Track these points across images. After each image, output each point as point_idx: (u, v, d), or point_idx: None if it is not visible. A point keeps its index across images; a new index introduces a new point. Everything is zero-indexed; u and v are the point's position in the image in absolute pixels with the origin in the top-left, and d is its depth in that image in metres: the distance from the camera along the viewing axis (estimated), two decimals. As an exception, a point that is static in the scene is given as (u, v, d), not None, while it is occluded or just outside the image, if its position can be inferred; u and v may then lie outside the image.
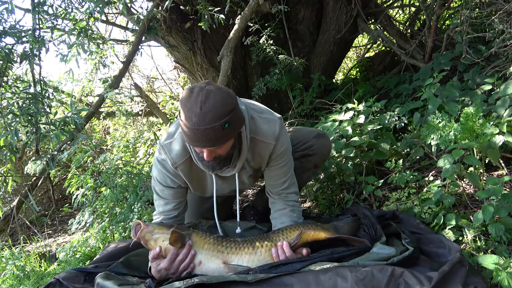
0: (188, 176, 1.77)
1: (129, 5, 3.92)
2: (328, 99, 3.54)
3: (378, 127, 2.40)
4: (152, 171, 1.84)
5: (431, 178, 2.27)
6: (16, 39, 2.72)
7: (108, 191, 2.83)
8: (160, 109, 5.36)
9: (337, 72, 5.22)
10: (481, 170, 1.99)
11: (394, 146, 2.49)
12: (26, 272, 2.51)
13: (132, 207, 2.64)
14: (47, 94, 2.90)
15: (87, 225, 2.89)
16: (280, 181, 1.85)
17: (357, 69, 4.96)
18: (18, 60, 2.78)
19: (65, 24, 3.07)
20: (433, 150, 2.06)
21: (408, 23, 4.63)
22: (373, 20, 4.08)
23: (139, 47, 3.58)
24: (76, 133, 2.66)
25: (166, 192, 1.81)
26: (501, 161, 2.02)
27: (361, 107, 2.42)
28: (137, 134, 4.44)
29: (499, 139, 1.77)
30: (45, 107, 2.72)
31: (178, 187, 1.81)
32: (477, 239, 1.63)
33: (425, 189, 2.04)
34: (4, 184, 3.09)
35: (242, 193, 3.22)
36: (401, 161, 2.22)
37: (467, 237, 1.65)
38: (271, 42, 3.50)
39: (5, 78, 2.82)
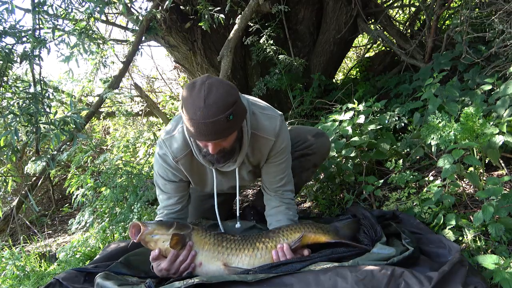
0: (189, 170, 1.77)
1: (129, 5, 3.92)
2: (328, 99, 3.54)
3: (378, 127, 2.40)
4: (154, 166, 1.84)
5: (431, 178, 2.27)
6: (16, 39, 2.72)
7: (108, 191, 2.83)
8: (160, 109, 5.36)
9: (337, 72, 5.22)
10: (481, 170, 1.99)
11: (394, 146, 2.49)
12: (26, 272, 2.51)
13: (132, 207, 2.64)
14: (47, 94, 2.90)
15: (87, 225, 2.89)
16: (277, 178, 1.85)
17: (357, 69, 4.96)
18: (18, 60, 2.78)
19: (65, 24, 3.08)
20: (433, 150, 2.06)
21: (408, 23, 4.63)
22: (373, 20, 4.08)
23: (139, 47, 3.58)
24: (76, 133, 2.66)
25: (168, 187, 1.81)
26: (501, 161, 2.02)
27: (361, 107, 2.42)
28: (137, 134, 4.44)
29: (499, 139, 1.77)
30: (45, 107, 2.72)
31: (180, 181, 1.81)
32: (477, 239, 1.63)
33: (425, 189, 2.04)
34: (4, 184, 3.09)
35: (241, 193, 3.22)
36: (401, 161, 2.22)
37: (467, 237, 1.65)
38: (271, 42, 3.50)
39: (5, 78, 2.83)
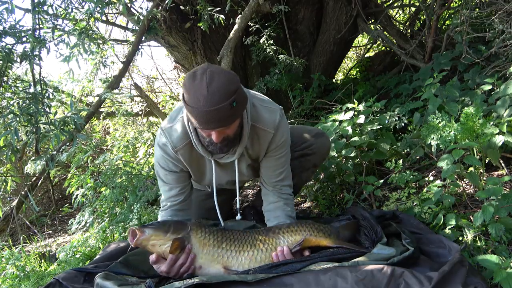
0: (188, 161, 1.76)
1: (129, 5, 3.92)
2: (328, 99, 3.54)
3: (378, 127, 2.40)
4: (155, 157, 1.83)
5: (431, 178, 2.27)
6: (16, 39, 2.72)
7: (108, 191, 2.83)
8: (160, 109, 5.36)
9: (337, 72, 5.22)
10: (481, 170, 1.99)
11: (394, 146, 2.49)
12: (26, 272, 2.51)
13: (132, 207, 2.64)
14: (47, 94, 2.90)
15: (87, 225, 2.89)
16: (276, 172, 1.85)
17: (357, 69, 4.96)
18: (18, 60, 2.78)
19: (65, 24, 3.08)
20: (433, 150, 2.06)
21: (408, 23, 4.63)
22: (373, 20, 4.08)
23: (139, 47, 3.58)
24: (76, 133, 2.66)
25: (169, 177, 1.81)
26: (501, 161, 2.02)
27: (361, 107, 2.42)
28: (137, 134, 4.45)
29: (499, 139, 1.76)
30: (45, 107, 2.72)
31: (181, 171, 1.80)
32: (477, 239, 1.63)
33: (425, 189, 2.04)
34: (4, 184, 3.09)
35: (241, 193, 3.22)
36: (401, 161, 2.21)
37: (467, 237, 1.64)
38: (271, 42, 3.51)
39: (5, 78, 2.83)
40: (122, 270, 1.67)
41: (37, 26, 2.78)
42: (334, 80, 4.76)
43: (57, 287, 1.62)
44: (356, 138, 2.35)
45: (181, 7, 3.98)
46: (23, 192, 3.33)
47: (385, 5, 4.38)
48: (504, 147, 1.95)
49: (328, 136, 2.10)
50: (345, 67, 6.25)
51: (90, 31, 3.04)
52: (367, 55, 5.49)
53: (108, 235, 2.63)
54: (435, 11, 3.23)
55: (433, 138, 1.86)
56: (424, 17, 3.76)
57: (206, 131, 1.52)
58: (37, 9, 2.71)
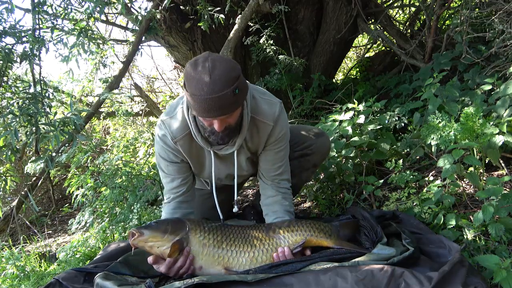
0: (188, 152, 1.76)
1: (129, 5, 3.92)
2: (328, 99, 3.54)
3: (378, 127, 2.40)
4: (155, 149, 1.83)
5: (431, 178, 2.27)
6: (16, 39, 2.72)
7: (108, 191, 2.83)
8: (160, 109, 5.36)
9: (337, 72, 5.22)
10: (481, 170, 1.98)
11: (394, 146, 2.49)
12: (26, 272, 2.51)
13: (132, 207, 2.64)
14: (47, 94, 2.90)
15: (87, 225, 2.89)
16: (275, 166, 1.84)
17: (357, 69, 4.96)
18: (18, 60, 2.78)
19: (65, 24, 3.08)
20: (433, 150, 2.06)
21: (408, 23, 4.63)
22: (373, 20, 4.08)
23: (139, 47, 3.58)
24: (76, 134, 2.66)
25: (170, 168, 1.80)
26: (501, 161, 2.02)
27: (361, 107, 2.42)
28: (137, 134, 4.44)
29: (499, 139, 1.76)
30: (45, 107, 2.72)
31: (181, 161, 1.80)
32: (477, 239, 1.63)
33: (425, 189, 2.04)
34: (4, 183, 3.09)
35: (241, 193, 3.22)
36: (401, 161, 2.21)
37: (467, 237, 1.64)
38: (271, 42, 3.51)
39: (5, 78, 2.83)
40: (122, 270, 1.67)
41: (37, 26, 2.78)
42: (334, 80, 4.76)
43: (57, 287, 1.62)
44: (356, 138, 2.35)
45: (181, 7, 3.98)
46: (23, 192, 3.34)
47: (385, 5, 4.39)
48: (504, 147, 1.95)
49: (328, 136, 2.10)
50: (345, 67, 6.25)
51: (90, 31, 3.04)
52: (367, 55, 5.49)
53: (108, 235, 2.63)
54: (435, 11, 3.23)
55: (433, 138, 1.86)
56: (424, 17, 3.76)
57: (208, 119, 1.51)
58: (37, 9, 2.71)
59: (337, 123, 2.45)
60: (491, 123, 1.84)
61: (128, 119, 5.48)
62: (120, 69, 3.61)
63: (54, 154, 2.86)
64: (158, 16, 3.39)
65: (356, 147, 2.38)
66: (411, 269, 1.29)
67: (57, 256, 2.65)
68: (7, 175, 3.14)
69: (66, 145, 3.16)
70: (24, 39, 2.74)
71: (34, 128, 2.60)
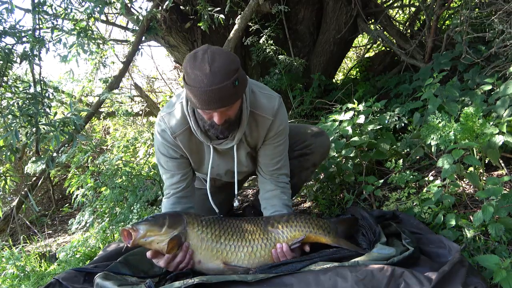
0: (187, 147, 1.75)
1: (129, 5, 3.92)
2: (328, 99, 3.54)
3: (378, 127, 2.40)
4: (155, 145, 1.83)
5: (431, 178, 2.27)
6: (16, 39, 2.72)
7: (108, 191, 2.83)
8: (160, 109, 5.36)
9: (337, 72, 5.23)
10: (481, 170, 1.98)
11: (394, 146, 2.49)
12: (26, 272, 2.51)
13: (132, 207, 2.64)
14: (47, 94, 2.90)
15: (87, 225, 2.89)
16: (274, 160, 1.84)
17: (357, 69, 4.96)
18: (18, 60, 2.78)
19: (65, 24, 3.08)
20: (433, 150, 2.06)
21: (408, 23, 4.64)
22: (373, 20, 4.08)
23: (139, 47, 3.58)
24: (76, 134, 2.66)
25: (170, 164, 1.80)
26: (501, 161, 2.02)
27: (361, 107, 2.42)
28: (137, 134, 4.45)
29: (499, 139, 1.76)
30: (45, 107, 2.72)
31: (181, 157, 1.79)
32: (477, 239, 1.63)
33: (425, 189, 2.04)
34: (4, 182, 3.09)
35: (241, 193, 3.22)
36: (401, 161, 2.21)
37: (467, 237, 1.64)
38: (271, 42, 3.51)
39: (5, 78, 2.83)
40: (122, 270, 1.67)
41: (37, 26, 2.79)
42: (334, 80, 4.76)
43: (57, 287, 1.62)
44: (356, 138, 2.35)
45: (181, 7, 3.99)
46: (23, 192, 3.34)
47: (385, 5, 4.39)
48: (504, 147, 1.95)
49: (328, 135, 2.10)
50: (345, 67, 6.25)
51: (90, 31, 3.04)
52: (367, 55, 5.49)
53: (108, 235, 2.63)
54: (435, 11, 3.23)
55: (433, 138, 1.86)
56: (424, 17, 3.76)
57: (208, 112, 1.51)
58: (37, 9, 2.72)
59: (337, 123, 2.45)
60: (491, 123, 1.84)
61: (128, 119, 5.49)
62: (120, 69, 3.61)
63: (54, 154, 2.87)
64: (158, 16, 3.39)
65: (356, 147, 2.39)
66: (411, 269, 1.29)
67: (57, 256, 2.65)
68: (7, 175, 3.14)
69: (66, 145, 3.16)
70: (24, 39, 2.74)
71: (34, 129, 2.60)
